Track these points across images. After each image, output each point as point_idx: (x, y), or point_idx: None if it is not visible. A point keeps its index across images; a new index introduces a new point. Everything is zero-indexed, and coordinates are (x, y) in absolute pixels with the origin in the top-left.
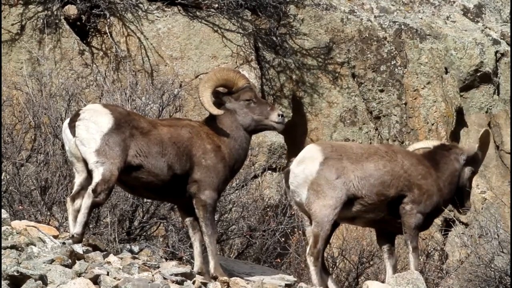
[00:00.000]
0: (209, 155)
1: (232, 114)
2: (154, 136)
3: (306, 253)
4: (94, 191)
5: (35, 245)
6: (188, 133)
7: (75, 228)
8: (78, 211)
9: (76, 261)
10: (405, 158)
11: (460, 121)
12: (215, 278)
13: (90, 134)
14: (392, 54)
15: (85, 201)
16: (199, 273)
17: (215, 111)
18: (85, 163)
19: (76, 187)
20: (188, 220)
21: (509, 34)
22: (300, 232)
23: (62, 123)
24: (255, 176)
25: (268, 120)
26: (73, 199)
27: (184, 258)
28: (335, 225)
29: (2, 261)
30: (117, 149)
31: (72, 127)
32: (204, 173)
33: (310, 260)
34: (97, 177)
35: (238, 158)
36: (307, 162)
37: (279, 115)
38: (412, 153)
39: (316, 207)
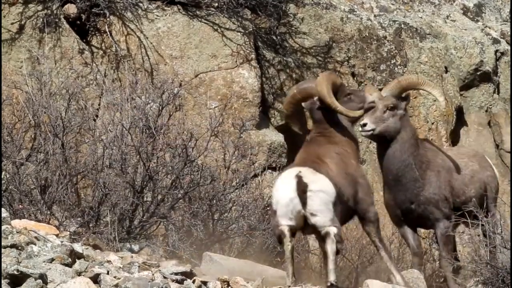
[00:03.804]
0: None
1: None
2: None
3: None
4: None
5: (35, 244)
6: None
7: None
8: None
9: (76, 260)
10: None
11: (460, 120)
12: None
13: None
14: (392, 53)
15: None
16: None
17: (355, 113)
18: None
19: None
20: None
21: (509, 33)
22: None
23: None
24: (255, 175)
25: (365, 104)
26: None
27: (184, 257)
28: None
29: (2, 260)
30: None
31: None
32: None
33: None
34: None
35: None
36: None
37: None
38: None
39: None
